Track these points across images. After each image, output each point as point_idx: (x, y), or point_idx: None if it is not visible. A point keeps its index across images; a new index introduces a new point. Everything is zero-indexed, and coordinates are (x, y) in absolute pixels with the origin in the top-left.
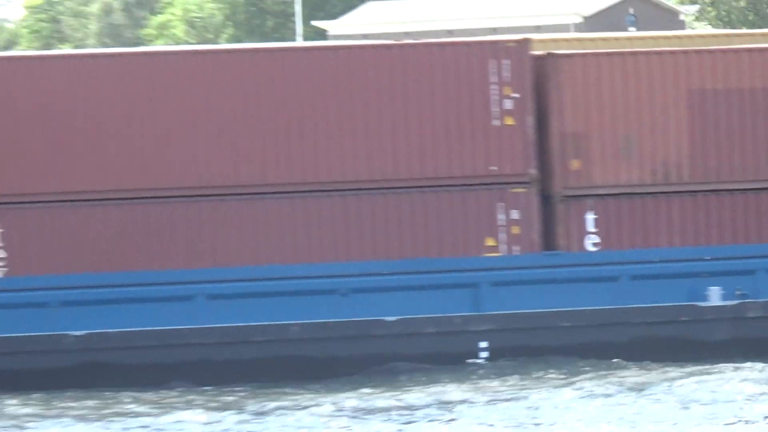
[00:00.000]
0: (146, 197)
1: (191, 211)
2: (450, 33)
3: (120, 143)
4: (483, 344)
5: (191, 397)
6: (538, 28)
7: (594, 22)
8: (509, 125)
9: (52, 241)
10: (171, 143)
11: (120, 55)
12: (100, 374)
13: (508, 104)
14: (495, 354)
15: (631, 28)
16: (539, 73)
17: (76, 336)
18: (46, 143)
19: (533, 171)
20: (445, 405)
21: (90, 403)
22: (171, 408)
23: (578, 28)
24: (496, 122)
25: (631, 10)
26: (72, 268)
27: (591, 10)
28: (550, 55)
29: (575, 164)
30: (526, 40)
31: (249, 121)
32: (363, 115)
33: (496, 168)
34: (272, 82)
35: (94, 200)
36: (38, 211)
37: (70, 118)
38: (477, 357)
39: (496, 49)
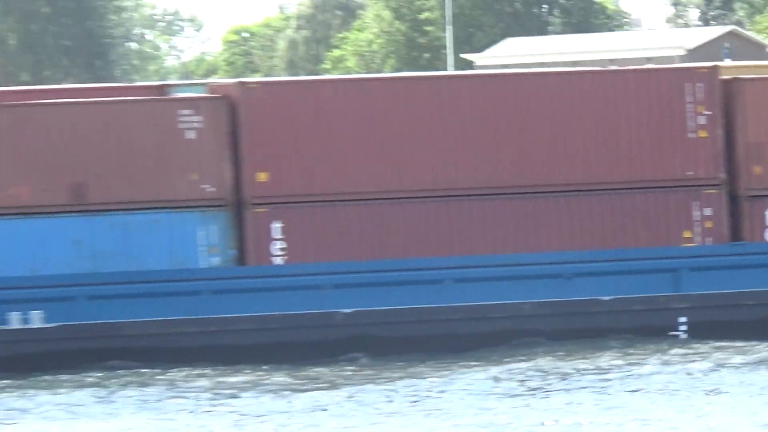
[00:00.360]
0: (403, 197)
1: (441, 209)
2: (575, 64)
3: (381, 152)
4: (682, 319)
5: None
6: (648, 60)
7: (695, 54)
8: (702, 137)
9: (324, 234)
10: (423, 152)
11: (384, 79)
12: (365, 346)
13: (702, 120)
14: (692, 328)
15: (727, 60)
16: (727, 93)
17: (345, 313)
18: (320, 153)
19: (722, 175)
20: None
21: (367, 371)
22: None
23: (682, 59)
24: (691, 135)
25: (727, 44)
26: (341, 256)
27: (693, 44)
28: (736, 79)
29: (757, 170)
30: (716, 67)
31: (491, 133)
32: (586, 128)
33: (692, 173)
34: (511, 101)
35: (359, 200)
36: (313, 209)
37: (341, 132)
38: (677, 330)
39: (691, 74)
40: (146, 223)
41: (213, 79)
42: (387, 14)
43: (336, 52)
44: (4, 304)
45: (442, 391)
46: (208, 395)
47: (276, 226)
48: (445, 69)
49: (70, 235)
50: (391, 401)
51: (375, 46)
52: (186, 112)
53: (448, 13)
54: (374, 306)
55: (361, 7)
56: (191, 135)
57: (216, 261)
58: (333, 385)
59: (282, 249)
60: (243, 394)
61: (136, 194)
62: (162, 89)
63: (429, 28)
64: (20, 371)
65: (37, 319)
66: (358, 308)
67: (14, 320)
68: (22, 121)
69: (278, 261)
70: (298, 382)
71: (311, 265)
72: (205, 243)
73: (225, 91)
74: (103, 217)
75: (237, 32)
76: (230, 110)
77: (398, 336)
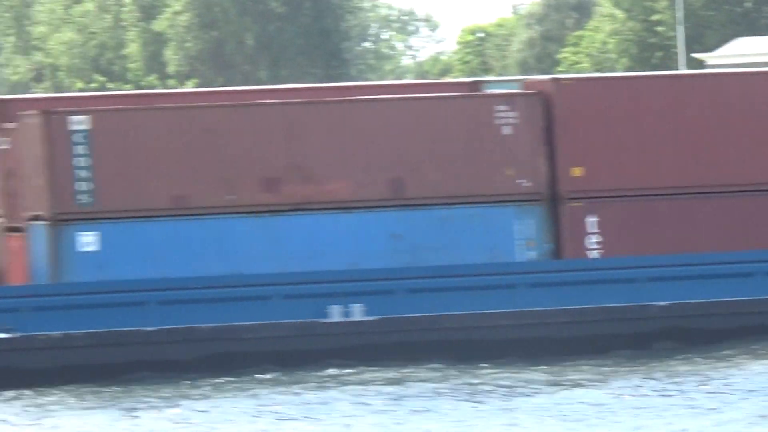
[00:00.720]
0: (714, 192)
1: (753, 203)
2: None
3: (693, 147)
4: None
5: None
6: None
7: None
8: None
9: (638, 228)
10: (734, 147)
11: (699, 75)
12: (680, 338)
13: None
14: None
15: None
16: None
17: (660, 306)
18: (633, 148)
19: None
20: None
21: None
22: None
23: None
24: None
25: None
26: (655, 250)
27: None
28: None
29: None
30: None
31: None
32: None
33: None
34: None
35: (672, 194)
36: (626, 203)
37: (653, 127)
38: None
39: None
40: (463, 217)
41: (451, 78)
42: (620, 14)
43: (569, 53)
44: (325, 298)
45: None
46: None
47: (591, 220)
48: (676, 68)
49: (389, 229)
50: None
51: (609, 46)
52: (502, 108)
53: (680, 14)
54: (689, 299)
55: (593, 6)
56: (507, 131)
57: (532, 255)
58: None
59: (597, 243)
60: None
61: (452, 189)
62: (475, 85)
63: (660, 29)
64: (344, 364)
65: (358, 313)
66: (673, 301)
67: (335, 313)
68: (345, 117)
69: (593, 255)
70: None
71: (627, 259)
72: (522, 237)
73: (539, 87)
74: (421, 212)
75: (472, 32)
76: (545, 106)
77: (713, 328)
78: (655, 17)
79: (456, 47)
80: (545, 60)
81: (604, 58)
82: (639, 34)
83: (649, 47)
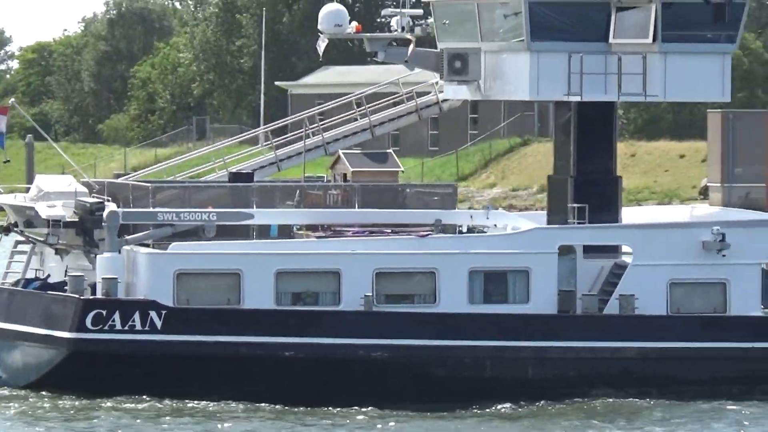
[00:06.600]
0: None
1: None
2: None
3: None
4: None
5: None
6: None
7: None
8: None
9: None
10: None
11: None
12: None
13: None
14: None
15: None
16: None
17: None
18: None
19: None
20: None
21: None
22: None
23: None
24: None
25: None
26: None
27: None
28: None
29: None
30: None
31: None
32: None
33: None
34: None
35: None
36: None
37: None
38: None
39: None
40: None
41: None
42: (203, 34)
43: (141, 68)
44: None
45: None
46: None
47: None
48: (260, 94)
49: None
50: None
51: (184, 67)
52: None
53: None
54: None
55: (165, 20)
56: None
57: None
58: None
59: None
60: None
61: None
62: None
63: (243, 60)
64: None
65: None
66: None
67: None
68: None
69: None
70: None
71: None
72: None
73: None
74: None
75: (35, 50)
76: None
77: None
78: (240, 42)
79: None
80: (118, 78)
81: (181, 80)
82: (221, 59)
83: (231, 73)
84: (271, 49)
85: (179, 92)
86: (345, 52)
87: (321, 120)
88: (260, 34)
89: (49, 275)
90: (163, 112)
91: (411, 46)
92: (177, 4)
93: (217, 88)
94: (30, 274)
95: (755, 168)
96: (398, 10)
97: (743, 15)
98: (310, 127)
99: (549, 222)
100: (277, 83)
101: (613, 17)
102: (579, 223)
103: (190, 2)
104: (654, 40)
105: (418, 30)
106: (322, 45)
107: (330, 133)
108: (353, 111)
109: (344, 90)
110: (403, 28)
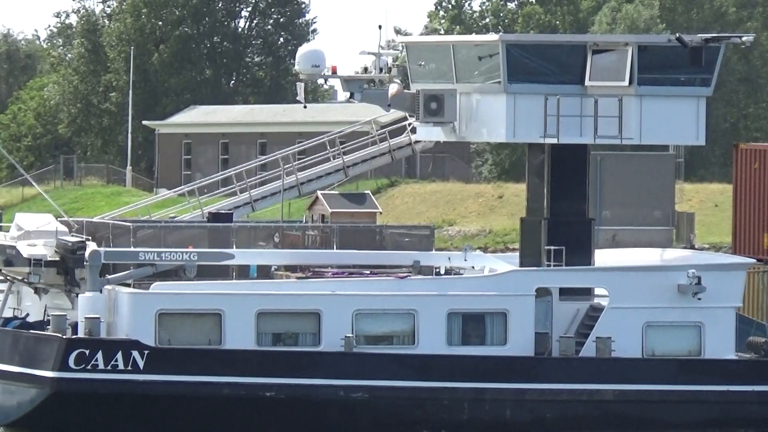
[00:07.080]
0: None
1: None
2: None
3: None
4: None
5: None
6: None
7: None
8: None
9: None
10: None
11: None
12: None
13: None
14: None
15: None
16: None
17: None
18: None
19: None
20: None
21: None
22: None
23: None
24: None
25: None
26: None
27: None
28: None
29: None
30: None
31: None
32: None
33: None
34: None
35: None
36: None
37: None
38: None
39: None
40: None
41: None
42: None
43: (13, 107)
44: None
45: None
46: None
47: None
48: (127, 134)
49: None
50: None
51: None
52: None
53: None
54: None
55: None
56: None
57: None
58: None
59: None
60: None
61: None
62: None
63: (112, 95)
64: None
65: None
66: None
67: None
68: None
69: None
70: None
71: None
72: None
73: None
74: None
75: None
76: None
77: None
78: (107, 78)
79: None
80: None
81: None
82: (88, 98)
83: (98, 114)
84: (140, 87)
85: (43, 132)
86: (214, 89)
87: (298, 159)
88: (128, 70)
89: (27, 314)
90: (29, 150)
91: (396, 88)
92: (44, 44)
93: (84, 128)
94: (7, 313)
95: (624, 211)
96: (376, 51)
97: (718, 58)
98: (286, 166)
99: (522, 264)
100: (144, 122)
101: (589, 60)
102: (556, 265)
103: (58, 42)
104: (630, 82)
105: (394, 71)
106: (300, 87)
107: (305, 174)
108: (327, 152)
109: (210, 130)
110: (381, 69)
